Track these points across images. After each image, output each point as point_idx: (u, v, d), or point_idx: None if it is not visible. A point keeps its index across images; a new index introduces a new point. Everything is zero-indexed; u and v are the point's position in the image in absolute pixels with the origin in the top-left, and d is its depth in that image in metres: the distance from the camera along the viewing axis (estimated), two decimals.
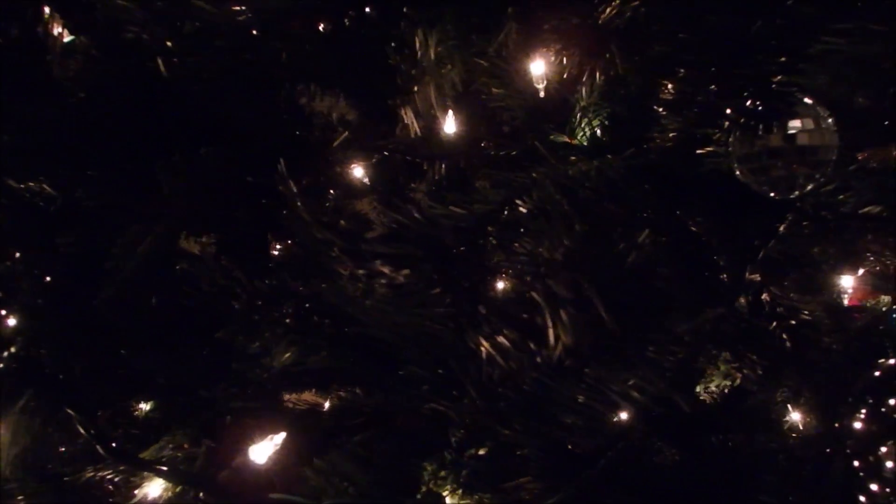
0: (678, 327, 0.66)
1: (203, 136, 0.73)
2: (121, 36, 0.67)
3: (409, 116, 0.79)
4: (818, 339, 0.99)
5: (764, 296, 0.98)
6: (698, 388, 0.87)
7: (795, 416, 1.05)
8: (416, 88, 0.74)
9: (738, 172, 0.81)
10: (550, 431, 0.75)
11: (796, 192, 0.79)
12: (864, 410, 0.75)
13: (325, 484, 0.84)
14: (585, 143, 1.05)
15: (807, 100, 0.77)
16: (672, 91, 0.87)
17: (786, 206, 0.84)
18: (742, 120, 0.78)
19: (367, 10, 0.83)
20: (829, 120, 0.78)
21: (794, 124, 0.76)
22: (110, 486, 0.84)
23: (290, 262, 0.81)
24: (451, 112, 1.13)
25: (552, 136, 1.04)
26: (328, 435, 0.93)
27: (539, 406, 0.79)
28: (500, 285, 0.82)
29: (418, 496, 0.85)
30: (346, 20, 0.82)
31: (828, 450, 0.79)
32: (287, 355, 0.79)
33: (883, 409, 0.74)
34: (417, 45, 0.75)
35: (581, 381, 0.68)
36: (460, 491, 0.86)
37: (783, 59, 0.78)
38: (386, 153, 1.12)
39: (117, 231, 0.74)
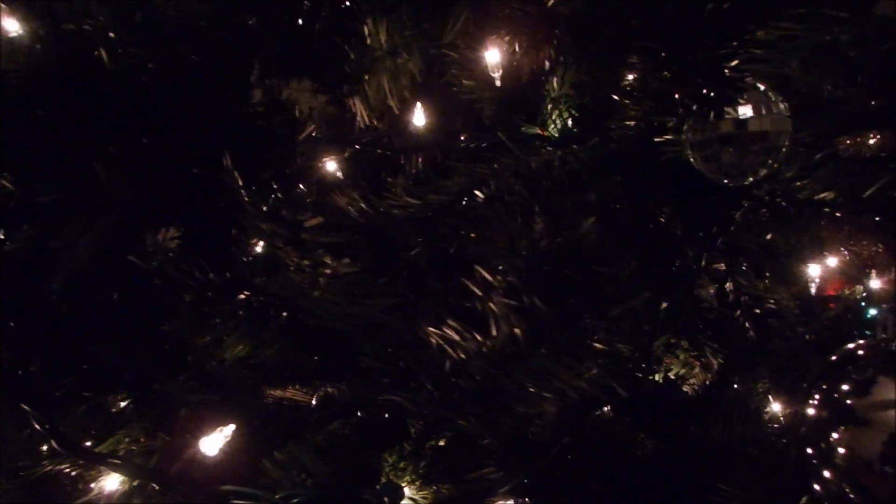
0: (610, 312, 0.66)
1: (153, 129, 0.73)
2: (64, 27, 0.68)
3: (357, 107, 0.79)
4: (783, 328, 0.99)
5: (728, 285, 0.98)
6: (658, 377, 0.87)
7: (777, 407, 1.06)
8: (366, 78, 0.75)
9: (692, 160, 0.81)
10: (504, 421, 0.76)
11: (749, 179, 0.80)
12: (817, 396, 0.76)
13: (283, 476, 0.85)
14: (556, 135, 1.06)
15: (759, 85, 0.78)
16: (629, 79, 0.88)
17: (744, 194, 0.84)
18: (694, 107, 0.78)
19: None
20: (781, 105, 0.78)
21: (744, 110, 0.77)
22: (66, 481, 0.85)
23: (244, 254, 0.82)
24: (419, 105, 1.14)
25: (524, 128, 1.04)
26: (291, 428, 0.94)
27: (491, 396, 0.80)
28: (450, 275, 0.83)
29: (377, 487, 0.86)
30: (300, 9, 0.82)
31: (783, 438, 0.80)
32: (239, 348, 0.80)
33: (836, 395, 0.74)
34: (367, 32, 0.75)
35: (529, 371, 0.69)
36: (419, 481, 0.86)
37: (735, 43, 0.78)
38: (358, 147, 1.13)
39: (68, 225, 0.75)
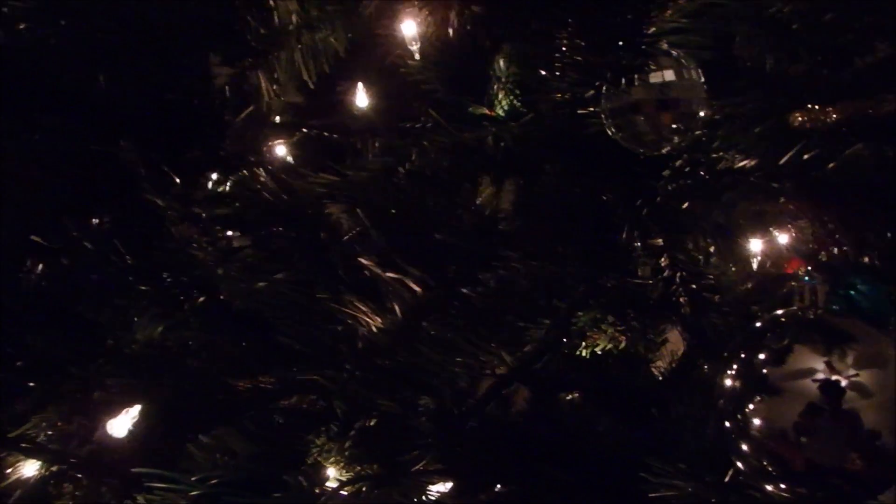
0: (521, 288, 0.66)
1: (58, 108, 0.73)
2: None
3: (261, 80, 0.79)
4: (720, 304, 0.98)
5: (663, 260, 0.97)
6: (584, 352, 0.86)
7: None
8: (277, 53, 0.75)
9: (609, 130, 0.80)
10: (421, 399, 0.75)
11: (666, 148, 0.79)
12: (734, 366, 0.75)
13: (207, 459, 0.85)
14: (502, 114, 1.05)
15: (672, 52, 0.77)
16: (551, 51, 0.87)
17: (667, 166, 0.83)
18: (608, 75, 0.78)
19: None
20: (695, 72, 0.77)
21: (656, 77, 0.76)
22: None
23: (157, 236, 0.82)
24: (360, 85, 1.14)
25: (471, 109, 1.04)
26: (221, 412, 0.94)
27: (408, 373, 0.79)
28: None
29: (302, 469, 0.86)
30: None
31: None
32: (150, 329, 0.79)
33: (752, 365, 0.73)
34: (272, 3, 0.74)
35: (436, 345, 0.69)
36: (344, 463, 0.86)
37: (653, 14, 0.78)
38: (305, 130, 1.13)
39: None
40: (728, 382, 0.73)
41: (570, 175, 0.87)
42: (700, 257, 0.93)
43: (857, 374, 0.68)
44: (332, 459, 0.84)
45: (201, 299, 0.81)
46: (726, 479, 0.81)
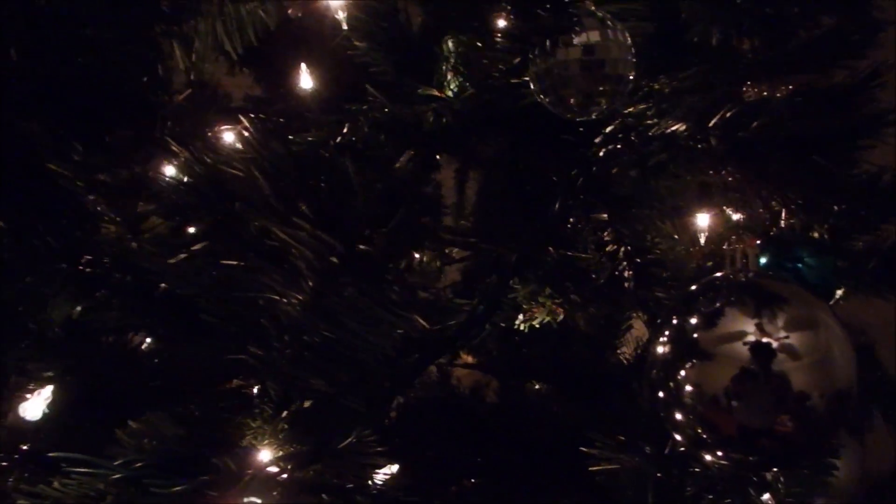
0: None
1: None
2: None
3: (176, 50, 0.77)
4: (666, 278, 0.96)
5: (606, 234, 0.96)
6: (522, 325, 0.85)
7: None
8: (195, 22, 0.73)
9: (537, 96, 0.79)
10: (344, 374, 0.73)
11: (594, 113, 0.77)
12: (666, 333, 0.73)
13: (135, 444, 0.83)
14: (451, 95, 1.04)
15: (597, 13, 0.76)
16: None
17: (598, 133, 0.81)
18: (535, 39, 0.77)
19: None
20: (620, 34, 0.76)
21: (580, 39, 0.75)
22: None
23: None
24: (303, 66, 1.13)
25: (420, 90, 1.03)
26: (153, 397, 0.93)
27: (337, 349, 0.78)
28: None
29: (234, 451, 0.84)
30: None
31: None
32: (66, 309, 0.77)
33: (683, 330, 0.72)
34: None
35: (353, 315, 0.67)
36: (278, 444, 0.84)
37: None
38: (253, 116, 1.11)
39: None
40: (660, 350, 0.72)
41: (507, 149, 0.85)
42: (644, 231, 0.92)
43: (787, 336, 0.66)
44: (266, 441, 0.83)
45: (124, 278, 0.80)
46: (666, 451, 0.81)
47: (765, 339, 0.65)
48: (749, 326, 0.65)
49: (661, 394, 0.69)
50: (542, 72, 0.71)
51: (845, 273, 0.86)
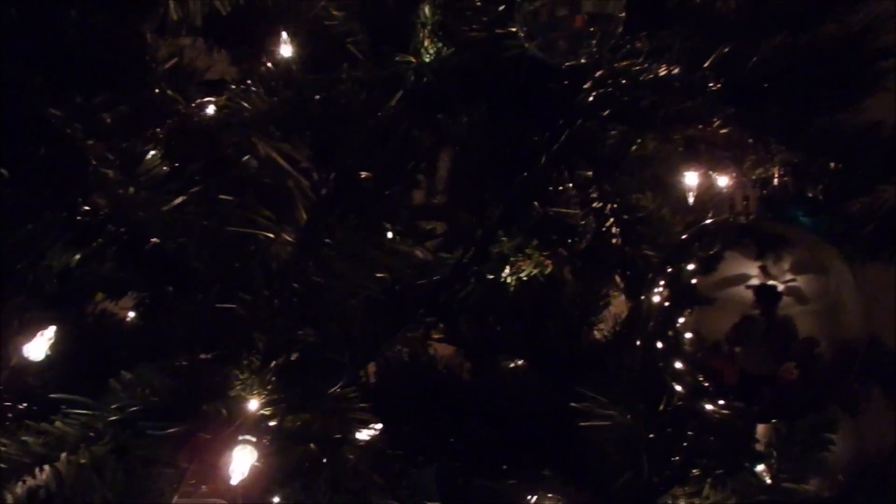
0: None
1: None
2: None
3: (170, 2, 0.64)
4: (654, 235, 0.83)
5: (593, 191, 0.83)
6: (510, 278, 0.72)
7: None
8: None
9: (526, 44, 0.66)
10: (333, 323, 0.61)
11: (583, 56, 0.64)
12: (662, 282, 0.60)
13: (128, 394, 0.71)
14: (428, 61, 0.90)
15: None
16: None
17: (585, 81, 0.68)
18: None
19: None
20: None
21: None
22: None
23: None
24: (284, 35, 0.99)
25: (398, 58, 0.90)
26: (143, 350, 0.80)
27: (325, 296, 0.65)
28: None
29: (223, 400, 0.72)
30: None
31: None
32: (64, 258, 0.65)
33: (680, 276, 0.59)
34: None
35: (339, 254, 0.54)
36: (266, 396, 0.72)
37: None
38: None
39: None
40: (656, 300, 0.59)
41: (491, 103, 0.73)
42: (629, 190, 0.79)
43: (793, 280, 0.53)
44: (254, 392, 0.70)
45: (118, 229, 0.67)
46: (661, 407, 0.67)
47: (769, 283, 0.51)
48: (752, 270, 0.54)
49: (659, 344, 0.56)
50: (528, 15, 0.58)
51: (841, 236, 0.71)
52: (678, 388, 0.59)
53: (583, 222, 0.76)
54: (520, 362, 1.09)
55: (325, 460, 0.66)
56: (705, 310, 0.58)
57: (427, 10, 0.85)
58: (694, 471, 0.79)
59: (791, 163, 0.75)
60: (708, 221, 0.60)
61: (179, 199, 0.59)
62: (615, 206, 0.82)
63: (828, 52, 0.69)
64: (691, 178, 0.89)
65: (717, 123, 0.74)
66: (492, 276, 0.67)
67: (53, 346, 0.65)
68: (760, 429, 0.76)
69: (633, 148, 0.80)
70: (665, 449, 0.74)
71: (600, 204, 0.80)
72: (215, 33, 0.94)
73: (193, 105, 0.91)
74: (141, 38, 0.79)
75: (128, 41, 0.74)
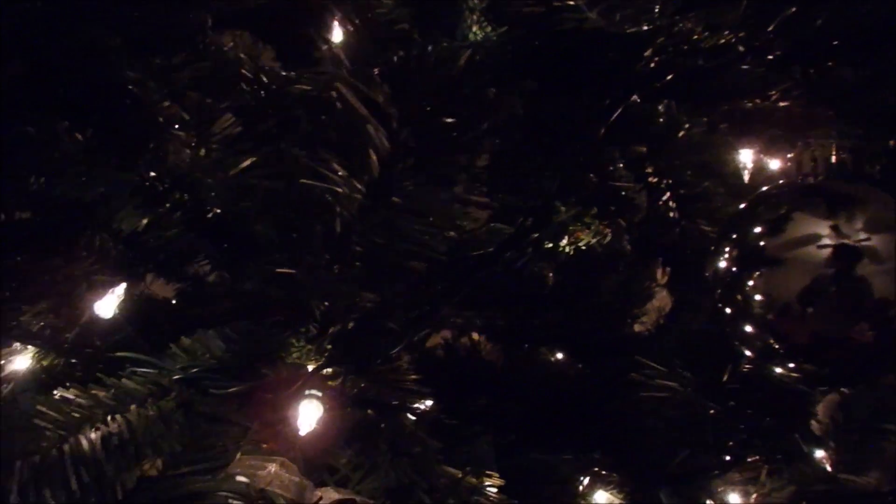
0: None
1: None
2: None
3: None
4: (710, 211, 0.82)
5: (648, 166, 0.82)
6: (568, 248, 0.72)
7: None
8: None
9: (586, 14, 0.66)
10: (398, 283, 0.61)
11: (645, 24, 0.64)
12: (727, 248, 0.59)
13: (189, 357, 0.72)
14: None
15: None
16: None
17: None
18: None
19: None
20: None
21: None
22: None
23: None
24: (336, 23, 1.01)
25: (444, 43, 0.91)
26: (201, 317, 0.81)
27: (388, 258, 0.65)
28: None
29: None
30: None
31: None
32: (133, 220, 0.67)
33: (748, 239, 0.58)
34: None
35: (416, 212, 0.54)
36: (323, 363, 0.73)
37: None
38: None
39: None
40: (723, 265, 0.58)
41: (546, 79, 0.73)
42: (683, 166, 0.78)
43: (868, 238, 0.52)
44: (311, 360, 0.71)
45: (184, 196, 0.69)
46: (724, 377, 0.66)
47: (842, 242, 0.50)
48: (822, 229, 0.53)
49: (727, 309, 0.55)
50: None
51: None
52: (747, 352, 0.59)
53: (638, 195, 0.76)
54: (559, 355, 1.10)
55: (383, 425, 0.67)
56: (776, 271, 0.57)
57: None
58: (752, 457, 0.78)
59: (849, 139, 0.74)
60: (771, 185, 0.60)
61: (248, 161, 0.61)
62: (670, 181, 0.82)
63: None
64: (746, 157, 0.90)
65: (775, 96, 0.74)
66: (550, 245, 0.67)
67: (121, 306, 0.67)
68: (821, 410, 0.75)
69: (687, 125, 0.81)
70: (726, 425, 0.73)
71: (655, 179, 0.81)
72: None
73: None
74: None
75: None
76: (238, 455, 0.61)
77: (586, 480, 0.84)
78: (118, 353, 0.66)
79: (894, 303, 0.54)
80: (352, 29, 0.93)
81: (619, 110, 0.72)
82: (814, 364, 0.55)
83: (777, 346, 0.56)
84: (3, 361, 0.72)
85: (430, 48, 0.53)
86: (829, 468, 0.74)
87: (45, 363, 0.73)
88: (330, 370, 0.63)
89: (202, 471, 0.60)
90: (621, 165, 0.77)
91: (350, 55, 0.91)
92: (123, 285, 0.69)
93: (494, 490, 0.65)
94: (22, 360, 0.74)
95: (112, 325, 0.68)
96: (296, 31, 1.13)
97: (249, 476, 0.56)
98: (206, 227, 0.73)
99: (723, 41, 0.62)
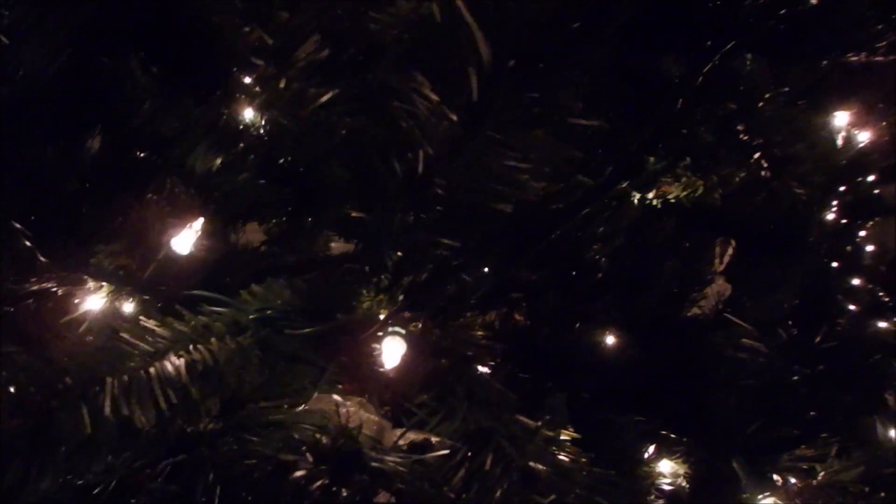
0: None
1: None
2: None
3: None
4: (805, 174, 0.78)
5: (739, 126, 0.78)
6: (655, 201, 0.69)
7: None
8: None
9: None
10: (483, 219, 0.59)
11: None
12: (835, 202, 0.56)
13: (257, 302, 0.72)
14: None
15: None
16: None
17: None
18: None
19: None
20: None
21: None
22: (52, 302, 0.75)
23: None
24: None
25: None
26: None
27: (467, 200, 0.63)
28: None
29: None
30: None
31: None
32: (208, 160, 0.66)
33: (860, 189, 0.55)
34: None
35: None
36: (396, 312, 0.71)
37: None
38: None
39: None
40: (830, 217, 0.56)
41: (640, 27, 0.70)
42: (775, 125, 0.75)
43: None
44: (383, 309, 0.70)
45: (261, 136, 0.68)
46: (817, 339, 0.63)
47: None
48: None
49: (834, 263, 0.53)
50: None
51: None
52: (851, 307, 0.56)
53: (730, 151, 0.73)
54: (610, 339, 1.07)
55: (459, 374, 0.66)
56: (891, 218, 0.55)
57: None
58: (824, 433, 0.75)
59: None
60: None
61: (330, 94, 0.60)
62: (761, 140, 0.78)
63: None
64: (841, 120, 0.85)
65: (881, 49, 0.69)
66: (639, 196, 0.65)
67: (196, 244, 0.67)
68: None
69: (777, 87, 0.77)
70: (808, 393, 0.70)
71: (746, 136, 0.77)
72: None
73: None
74: None
75: None
76: (315, 394, 0.61)
77: (651, 448, 0.82)
78: (194, 292, 0.67)
79: None
80: None
81: (714, 62, 0.70)
82: None
83: (887, 299, 0.54)
84: (77, 301, 0.74)
85: None
86: None
87: (117, 302, 0.74)
88: (408, 314, 0.62)
89: (282, 406, 0.60)
90: (712, 122, 0.74)
91: None
92: (201, 220, 0.70)
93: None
94: (96, 298, 0.75)
95: (187, 265, 0.68)
96: None
97: (330, 413, 0.55)
98: (278, 174, 0.73)
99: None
